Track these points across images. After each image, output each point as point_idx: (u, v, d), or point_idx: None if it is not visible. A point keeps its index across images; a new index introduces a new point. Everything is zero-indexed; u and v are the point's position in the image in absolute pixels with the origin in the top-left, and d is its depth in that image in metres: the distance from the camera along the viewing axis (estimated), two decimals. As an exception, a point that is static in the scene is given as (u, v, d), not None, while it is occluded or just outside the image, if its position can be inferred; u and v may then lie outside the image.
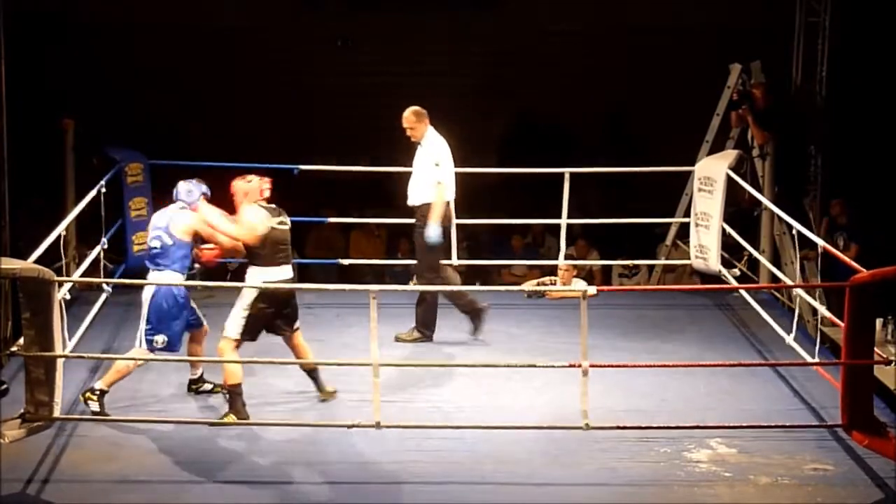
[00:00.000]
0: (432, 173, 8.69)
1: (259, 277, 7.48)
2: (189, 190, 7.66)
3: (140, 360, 7.55)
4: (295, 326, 7.68)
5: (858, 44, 11.55)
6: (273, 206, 7.62)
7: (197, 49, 12.84)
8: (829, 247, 8.15)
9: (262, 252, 7.48)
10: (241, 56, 12.98)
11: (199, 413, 7.57)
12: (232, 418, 7.33)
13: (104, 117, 11.56)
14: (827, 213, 10.79)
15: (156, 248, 7.54)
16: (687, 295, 10.30)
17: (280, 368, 8.11)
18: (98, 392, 7.40)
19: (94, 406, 7.37)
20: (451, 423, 7.33)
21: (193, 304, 7.70)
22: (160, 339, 7.47)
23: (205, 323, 7.76)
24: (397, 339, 8.82)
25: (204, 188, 7.69)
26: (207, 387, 7.83)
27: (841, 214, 10.69)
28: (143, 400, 7.72)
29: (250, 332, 7.50)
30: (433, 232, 8.66)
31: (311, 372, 7.74)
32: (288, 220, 7.64)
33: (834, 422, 7.15)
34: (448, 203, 8.81)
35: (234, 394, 7.38)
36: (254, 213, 7.50)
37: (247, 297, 7.47)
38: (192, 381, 7.86)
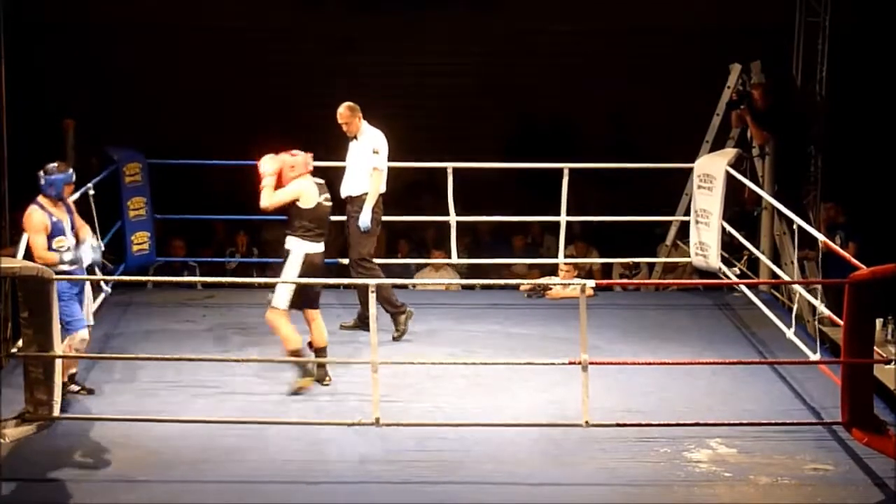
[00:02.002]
0: (370, 161, 8.85)
1: (302, 249, 7.73)
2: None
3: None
4: (318, 303, 7.93)
5: (858, 44, 11.55)
6: (321, 181, 7.87)
7: (197, 49, 12.83)
8: (830, 243, 8.15)
9: (307, 225, 7.76)
10: (240, 56, 12.97)
11: (198, 413, 7.56)
12: (307, 381, 7.65)
13: (104, 117, 11.56)
14: (825, 215, 10.80)
15: None
16: (687, 294, 10.30)
17: (278, 367, 8.11)
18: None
19: (75, 388, 7.55)
20: (451, 423, 7.32)
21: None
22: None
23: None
24: (342, 328, 8.91)
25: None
26: (74, 388, 7.72)
27: (837, 215, 10.69)
28: (144, 400, 7.72)
29: (296, 302, 7.74)
30: (366, 218, 8.81)
31: (321, 351, 7.89)
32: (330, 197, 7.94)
33: (834, 421, 7.16)
34: (379, 195, 8.95)
35: (299, 357, 7.69)
36: (306, 187, 7.75)
37: (294, 267, 7.72)
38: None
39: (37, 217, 7.47)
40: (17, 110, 9.30)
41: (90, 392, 7.68)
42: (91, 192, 9.15)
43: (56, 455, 6.90)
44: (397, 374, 8.03)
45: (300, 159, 7.83)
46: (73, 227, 7.60)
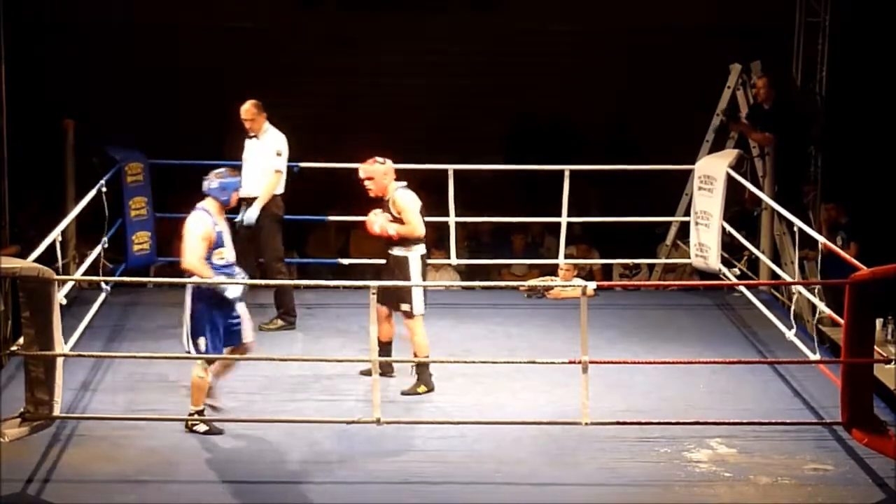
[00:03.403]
0: (274, 162, 8.92)
1: (418, 252, 7.84)
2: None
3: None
4: None
5: (858, 44, 11.55)
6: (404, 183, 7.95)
7: (197, 49, 12.83)
8: (830, 244, 8.15)
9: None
10: (240, 56, 12.96)
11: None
12: (423, 389, 7.71)
13: (104, 117, 11.56)
14: (826, 215, 10.80)
15: None
16: (687, 295, 10.30)
17: (279, 366, 8.12)
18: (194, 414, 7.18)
19: (202, 427, 7.16)
20: (452, 421, 7.31)
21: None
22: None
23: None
24: (261, 329, 8.78)
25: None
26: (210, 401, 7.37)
27: (839, 216, 10.69)
28: (144, 400, 7.72)
29: (426, 302, 7.89)
30: (254, 214, 8.84)
31: (387, 346, 7.97)
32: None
33: (834, 421, 7.16)
34: (278, 196, 9.00)
35: (424, 366, 7.75)
36: (411, 198, 7.86)
37: (418, 271, 7.82)
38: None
39: (207, 223, 7.03)
40: (17, 110, 9.31)
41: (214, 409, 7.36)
42: (104, 189, 9.16)
43: (56, 455, 6.90)
44: (397, 374, 8.04)
45: (390, 164, 7.89)
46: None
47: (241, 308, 7.17)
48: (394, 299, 7.80)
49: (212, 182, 7.16)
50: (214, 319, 7.08)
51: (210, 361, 7.13)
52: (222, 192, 7.14)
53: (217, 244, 7.07)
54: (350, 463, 6.88)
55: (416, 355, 7.83)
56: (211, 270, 7.04)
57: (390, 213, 7.84)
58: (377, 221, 7.84)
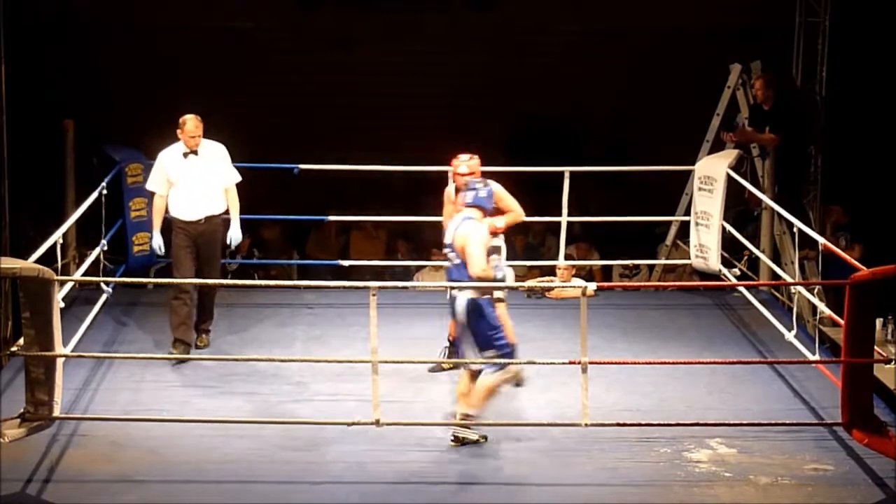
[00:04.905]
0: (232, 175, 8.53)
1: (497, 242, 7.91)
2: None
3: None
4: None
5: (858, 44, 11.55)
6: None
7: (197, 49, 12.83)
8: (830, 245, 8.15)
9: None
10: (240, 56, 12.96)
11: (198, 413, 7.56)
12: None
13: (104, 117, 11.56)
14: (828, 217, 10.81)
15: None
16: (687, 295, 10.30)
17: (278, 367, 8.12)
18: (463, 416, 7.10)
19: (472, 436, 7.07)
20: (452, 422, 7.31)
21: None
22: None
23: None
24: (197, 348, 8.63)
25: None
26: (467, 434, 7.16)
27: (843, 217, 10.71)
28: (144, 400, 7.72)
29: None
30: (239, 233, 8.59)
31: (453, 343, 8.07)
32: None
33: (834, 421, 7.16)
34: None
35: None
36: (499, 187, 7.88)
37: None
38: None
39: (484, 232, 7.13)
40: (17, 110, 9.31)
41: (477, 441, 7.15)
42: (104, 191, 9.16)
43: (56, 455, 6.90)
44: (397, 375, 8.04)
45: (477, 159, 7.99)
46: None
47: None
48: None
49: (479, 191, 7.25)
50: None
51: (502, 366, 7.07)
52: (489, 200, 7.27)
53: (489, 252, 7.26)
54: (350, 463, 6.88)
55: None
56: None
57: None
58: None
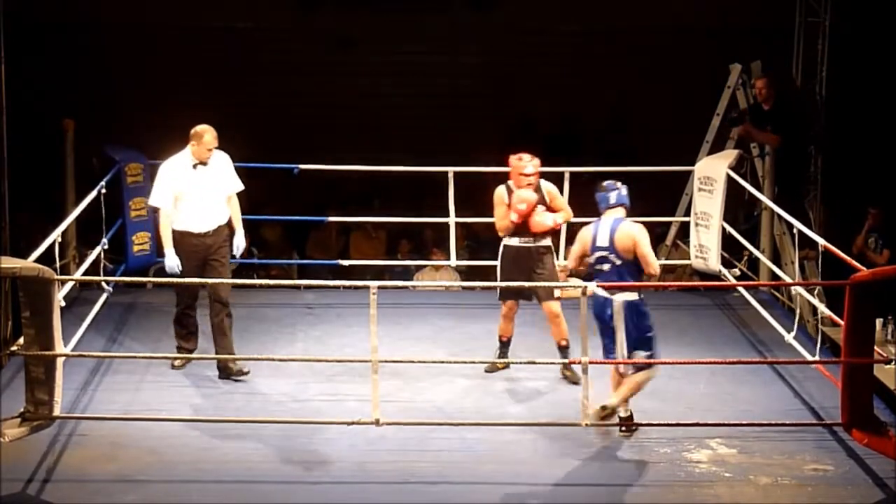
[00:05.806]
0: (236, 184, 8.23)
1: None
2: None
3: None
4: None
5: (858, 44, 11.55)
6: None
7: (197, 49, 12.84)
8: (828, 245, 8.14)
9: None
10: (240, 56, 12.97)
11: (198, 413, 7.56)
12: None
13: (104, 117, 11.56)
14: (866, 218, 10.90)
15: None
16: (687, 295, 10.29)
17: (278, 367, 8.12)
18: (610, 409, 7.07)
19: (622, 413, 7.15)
20: (452, 422, 7.32)
21: None
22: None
23: None
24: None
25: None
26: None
27: (878, 219, 10.79)
28: (144, 400, 7.72)
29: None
30: (244, 241, 8.30)
31: (508, 343, 8.27)
32: None
33: (834, 421, 7.16)
34: None
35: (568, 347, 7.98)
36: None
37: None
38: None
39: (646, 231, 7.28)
40: (17, 110, 9.30)
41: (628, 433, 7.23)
42: (104, 190, 9.15)
43: (56, 455, 6.90)
44: (397, 375, 8.04)
45: (538, 161, 8.13)
46: None
47: None
48: (548, 289, 7.96)
49: (621, 191, 7.31)
50: None
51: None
52: (628, 198, 7.34)
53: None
54: (350, 463, 6.89)
55: (564, 338, 8.01)
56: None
57: (543, 204, 8.02)
58: (547, 216, 7.98)
